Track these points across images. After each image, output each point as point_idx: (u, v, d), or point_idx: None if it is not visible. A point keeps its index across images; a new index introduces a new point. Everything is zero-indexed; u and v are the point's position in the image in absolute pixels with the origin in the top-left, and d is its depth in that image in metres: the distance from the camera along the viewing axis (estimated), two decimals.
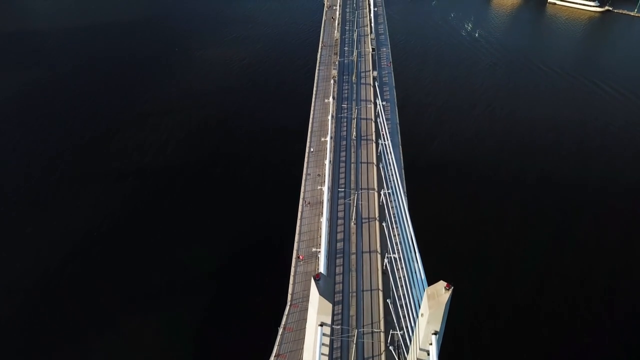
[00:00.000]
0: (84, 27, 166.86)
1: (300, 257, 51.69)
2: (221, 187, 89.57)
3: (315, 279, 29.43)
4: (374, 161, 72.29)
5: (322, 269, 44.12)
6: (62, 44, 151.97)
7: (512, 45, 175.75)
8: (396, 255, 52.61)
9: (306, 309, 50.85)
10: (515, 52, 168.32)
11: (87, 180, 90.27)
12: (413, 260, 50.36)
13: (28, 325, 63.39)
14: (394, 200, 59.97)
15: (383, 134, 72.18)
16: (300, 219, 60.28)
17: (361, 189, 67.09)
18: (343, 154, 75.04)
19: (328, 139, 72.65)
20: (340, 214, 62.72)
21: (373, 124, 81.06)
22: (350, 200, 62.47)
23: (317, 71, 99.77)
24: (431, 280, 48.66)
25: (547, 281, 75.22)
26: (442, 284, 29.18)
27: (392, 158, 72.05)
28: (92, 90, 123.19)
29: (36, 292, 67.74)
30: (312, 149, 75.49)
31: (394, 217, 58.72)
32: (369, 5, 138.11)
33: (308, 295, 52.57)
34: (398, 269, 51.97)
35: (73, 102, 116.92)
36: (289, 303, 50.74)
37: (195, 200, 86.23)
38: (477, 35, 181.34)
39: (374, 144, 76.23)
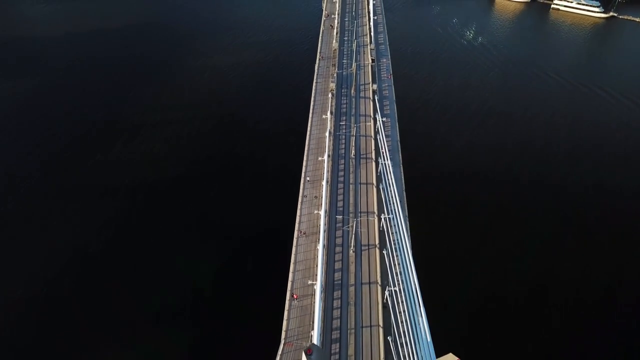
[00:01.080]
0: (79, 33, 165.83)
1: (295, 295, 49.02)
2: (214, 208, 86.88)
3: (306, 354, 26.17)
4: (374, 182, 69.80)
5: (315, 338, 39.65)
6: (55, 52, 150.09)
7: (517, 52, 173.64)
8: (397, 288, 50.03)
9: (301, 348, 48.45)
10: (519, 59, 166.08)
11: (79, 191, 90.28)
12: (414, 294, 47.94)
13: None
14: (395, 225, 57.44)
15: (383, 153, 69.85)
16: (296, 246, 57.65)
17: (360, 212, 64.59)
18: (341, 174, 72.59)
19: (325, 157, 70.32)
20: (339, 241, 60.23)
21: (373, 141, 78.62)
22: (349, 227, 59.87)
23: (314, 84, 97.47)
24: (434, 315, 46.43)
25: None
26: (452, 357, 26.57)
27: (392, 179, 69.45)
28: (86, 98, 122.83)
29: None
30: (308, 169, 73.06)
31: (395, 243, 56.19)
32: (369, 13, 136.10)
33: (302, 333, 50.17)
34: (399, 302, 49.42)
35: (68, 109, 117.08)
36: (282, 341, 48.16)
37: (184, 226, 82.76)
38: (479, 41, 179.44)
39: (373, 163, 73.80)
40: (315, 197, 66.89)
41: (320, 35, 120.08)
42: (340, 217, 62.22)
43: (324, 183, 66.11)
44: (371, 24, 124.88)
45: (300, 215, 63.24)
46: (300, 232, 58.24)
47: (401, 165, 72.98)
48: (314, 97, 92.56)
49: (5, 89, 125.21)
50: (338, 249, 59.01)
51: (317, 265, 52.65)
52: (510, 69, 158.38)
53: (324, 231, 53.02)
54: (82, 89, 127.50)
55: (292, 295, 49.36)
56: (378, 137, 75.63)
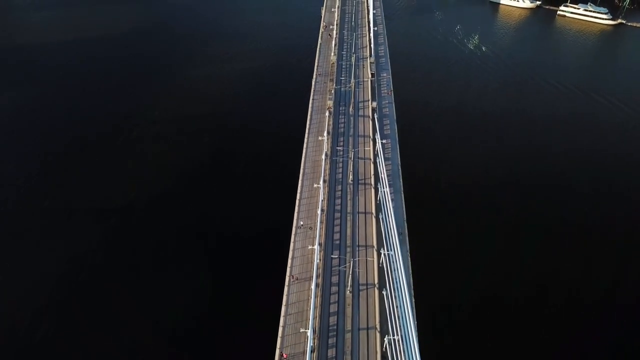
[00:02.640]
0: (75, 41, 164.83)
1: (284, 355, 45.58)
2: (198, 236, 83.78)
3: None
4: (373, 211, 66.52)
5: None
6: (47, 62, 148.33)
7: (522, 60, 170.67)
8: (397, 337, 46.64)
9: None
10: (526, 68, 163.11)
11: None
12: (412, 344, 44.76)
13: None
14: (395, 262, 54.07)
15: (382, 179, 66.72)
16: (287, 295, 54.10)
17: (359, 247, 61.26)
18: (338, 201, 69.36)
19: (321, 184, 67.20)
20: (334, 279, 56.91)
21: (372, 165, 75.41)
22: (345, 267, 56.53)
23: (311, 101, 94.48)
24: None
25: None
26: None
27: (392, 208, 66.26)
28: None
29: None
30: (304, 195, 69.88)
31: (395, 282, 52.90)
32: (368, 23, 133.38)
33: None
34: (399, 352, 46.03)
35: (64, 113, 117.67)
36: None
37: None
38: (484, 50, 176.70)
39: (372, 190, 70.57)
40: (311, 227, 63.68)
41: (318, 47, 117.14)
42: (337, 256, 58.58)
43: (319, 211, 63.16)
44: (371, 35, 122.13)
45: (293, 251, 59.92)
46: (292, 277, 54.79)
47: (402, 193, 69.77)
48: (310, 115, 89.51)
49: None
50: (334, 288, 55.68)
51: (309, 309, 49.45)
52: (517, 79, 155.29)
53: (318, 275, 49.66)
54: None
55: (281, 355, 45.81)
56: (377, 161, 72.56)
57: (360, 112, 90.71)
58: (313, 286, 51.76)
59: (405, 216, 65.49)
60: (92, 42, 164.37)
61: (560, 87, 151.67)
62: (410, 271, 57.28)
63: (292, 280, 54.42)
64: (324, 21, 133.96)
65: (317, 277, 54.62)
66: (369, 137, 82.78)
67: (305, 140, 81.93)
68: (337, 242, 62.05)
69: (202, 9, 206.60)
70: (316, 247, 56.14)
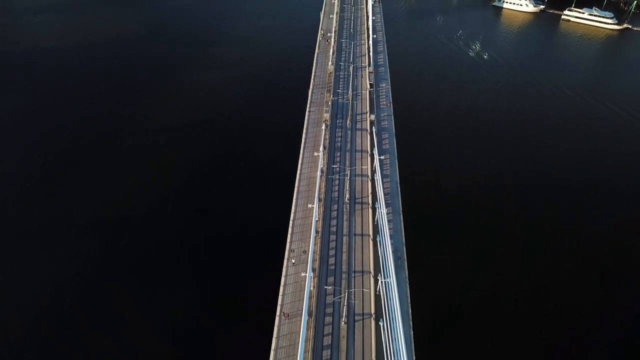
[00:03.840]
0: (74, 44, 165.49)
1: None
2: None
3: None
4: (370, 233, 64.20)
5: None
6: (46, 64, 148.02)
7: (527, 68, 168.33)
8: None
9: None
10: (531, 76, 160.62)
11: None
12: None
13: None
14: (393, 290, 51.68)
15: (380, 198, 64.45)
16: (278, 326, 51.73)
17: (355, 272, 58.95)
18: (334, 222, 67.06)
19: (315, 204, 64.85)
20: (329, 309, 54.54)
21: (369, 183, 73.06)
22: (340, 298, 54.18)
23: (307, 113, 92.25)
24: None
25: None
26: None
27: (391, 230, 64.24)
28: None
29: None
30: (298, 216, 67.58)
31: (393, 312, 50.51)
32: (368, 30, 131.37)
33: None
34: None
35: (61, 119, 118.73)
36: None
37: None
38: (487, 56, 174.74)
39: (370, 210, 68.25)
40: (304, 251, 61.37)
41: (315, 56, 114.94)
42: (331, 286, 56.13)
43: (312, 231, 60.75)
44: (370, 42, 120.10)
45: (285, 277, 57.62)
46: (284, 314, 52.35)
47: (401, 213, 67.39)
48: (306, 128, 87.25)
49: None
50: (328, 319, 53.31)
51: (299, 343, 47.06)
52: (523, 87, 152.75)
53: (310, 305, 47.29)
54: (81, 91, 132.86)
55: None
56: (375, 178, 70.28)
57: (358, 126, 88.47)
58: (304, 317, 49.43)
59: (404, 239, 63.10)
60: (91, 45, 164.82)
61: (568, 93, 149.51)
62: (409, 300, 54.90)
63: (283, 317, 51.95)
64: (322, 29, 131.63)
65: (309, 306, 52.42)
66: (367, 152, 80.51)
67: (301, 155, 79.70)
68: (332, 267, 59.72)
69: (199, 12, 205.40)
70: (308, 274, 53.72)
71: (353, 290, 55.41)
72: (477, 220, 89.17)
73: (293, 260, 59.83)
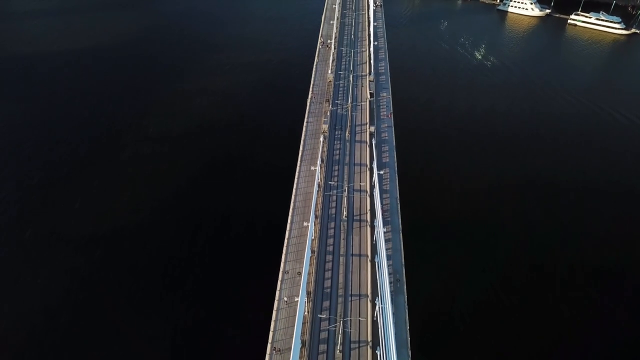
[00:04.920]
0: (72, 49, 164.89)
1: None
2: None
3: None
4: (368, 253, 62.21)
5: None
6: (44, 70, 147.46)
7: (533, 73, 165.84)
8: None
9: None
10: (536, 82, 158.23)
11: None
12: None
13: None
14: (391, 315, 49.58)
15: (379, 216, 62.48)
16: (269, 354, 49.66)
17: (351, 296, 56.93)
18: (331, 240, 65.09)
19: (311, 222, 62.76)
20: (323, 335, 52.54)
21: (368, 199, 71.08)
22: (335, 327, 52.14)
23: (305, 124, 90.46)
24: None
25: None
26: None
27: (389, 250, 62.37)
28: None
29: None
30: (293, 234, 65.66)
31: (390, 338, 48.41)
32: (369, 36, 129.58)
33: None
34: None
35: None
36: None
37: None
38: (489, 64, 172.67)
39: (368, 228, 66.23)
40: (299, 273, 59.39)
41: (315, 65, 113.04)
42: (326, 313, 54.05)
43: (306, 250, 58.56)
44: (371, 49, 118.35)
45: (278, 300, 55.69)
46: (275, 349, 50.26)
47: (400, 232, 65.38)
48: (304, 140, 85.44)
49: None
50: (322, 346, 51.29)
51: None
52: (528, 94, 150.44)
53: (304, 337, 45.28)
54: (78, 97, 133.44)
55: None
56: (374, 193, 68.34)
57: (357, 137, 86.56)
58: (294, 347, 47.33)
59: (403, 260, 61.09)
60: (90, 49, 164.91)
61: (575, 101, 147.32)
62: (408, 327, 52.86)
63: (274, 352, 49.93)
64: (322, 36, 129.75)
65: (302, 335, 50.47)
66: (366, 166, 78.59)
67: (297, 169, 77.88)
68: (328, 290, 57.73)
69: (198, 16, 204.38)
70: (301, 300, 51.51)
71: (349, 318, 53.27)
72: (482, 239, 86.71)
73: (287, 280, 57.97)
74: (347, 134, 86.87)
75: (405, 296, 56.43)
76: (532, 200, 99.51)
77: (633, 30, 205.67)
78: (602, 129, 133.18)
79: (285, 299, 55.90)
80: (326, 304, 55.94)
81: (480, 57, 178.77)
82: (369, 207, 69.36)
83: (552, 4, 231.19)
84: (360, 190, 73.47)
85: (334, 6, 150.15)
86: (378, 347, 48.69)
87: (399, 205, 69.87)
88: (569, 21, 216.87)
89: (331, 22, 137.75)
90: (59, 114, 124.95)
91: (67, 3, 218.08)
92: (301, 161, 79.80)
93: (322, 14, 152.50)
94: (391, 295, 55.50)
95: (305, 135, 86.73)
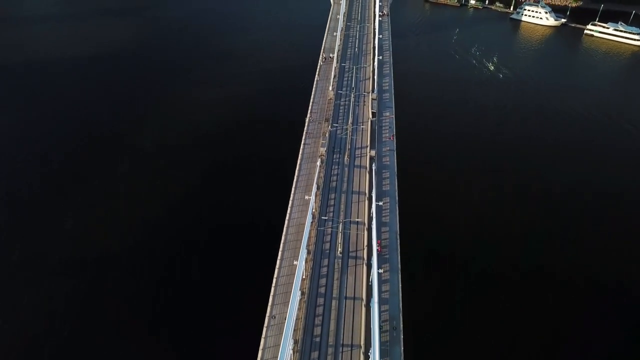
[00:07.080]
0: (73, 55, 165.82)
1: None
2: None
3: None
4: (363, 297, 58.29)
5: None
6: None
7: (548, 88, 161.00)
8: None
9: None
10: (551, 97, 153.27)
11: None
12: None
13: None
14: None
15: (377, 253, 58.63)
16: None
17: (342, 346, 52.98)
18: (323, 281, 61.27)
19: (302, 259, 58.64)
20: None
21: (365, 233, 67.26)
22: None
23: (302, 146, 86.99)
24: None
25: None
26: None
27: (387, 292, 58.45)
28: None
29: None
30: (282, 273, 61.92)
31: None
32: (373, 50, 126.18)
33: None
34: None
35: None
36: None
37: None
38: (501, 76, 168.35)
39: (364, 267, 62.37)
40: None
41: (315, 82, 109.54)
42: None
43: (296, 294, 54.55)
44: (375, 64, 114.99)
45: (262, 350, 51.90)
46: None
47: (399, 272, 61.30)
48: (300, 164, 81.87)
49: None
50: None
51: None
52: (543, 110, 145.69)
53: None
54: (80, 102, 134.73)
55: None
56: (372, 227, 64.44)
57: (357, 162, 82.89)
58: None
59: (401, 305, 57.03)
60: (91, 55, 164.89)
61: (600, 117, 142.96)
62: None
63: None
64: (324, 51, 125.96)
65: None
66: (365, 194, 74.78)
67: (291, 197, 74.29)
68: (317, 339, 53.82)
69: (198, 22, 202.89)
70: (283, 349, 47.51)
71: None
72: (489, 280, 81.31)
73: (274, 327, 54.19)
74: (346, 157, 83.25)
75: (402, 347, 52.31)
76: (555, 240, 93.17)
77: None
78: (620, 143, 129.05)
79: (271, 347, 52.11)
80: (315, 355, 52.03)
81: (492, 69, 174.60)
82: (366, 243, 65.51)
83: (568, 13, 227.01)
84: (357, 223, 69.60)
85: (338, 16, 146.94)
86: None
87: (398, 241, 65.85)
88: (586, 31, 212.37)
89: (334, 33, 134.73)
90: (61, 114, 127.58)
91: (70, 8, 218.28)
92: (295, 188, 76.22)
93: (326, 25, 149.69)
94: (387, 346, 51.88)
95: (302, 159, 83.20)
